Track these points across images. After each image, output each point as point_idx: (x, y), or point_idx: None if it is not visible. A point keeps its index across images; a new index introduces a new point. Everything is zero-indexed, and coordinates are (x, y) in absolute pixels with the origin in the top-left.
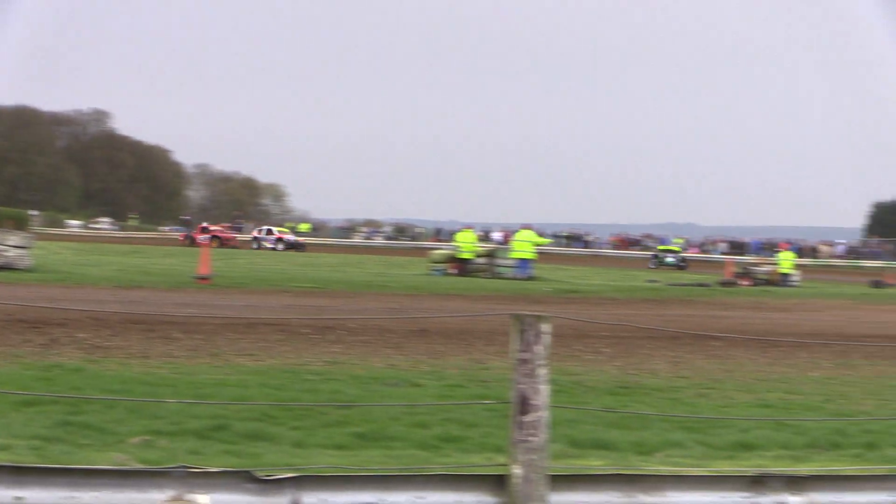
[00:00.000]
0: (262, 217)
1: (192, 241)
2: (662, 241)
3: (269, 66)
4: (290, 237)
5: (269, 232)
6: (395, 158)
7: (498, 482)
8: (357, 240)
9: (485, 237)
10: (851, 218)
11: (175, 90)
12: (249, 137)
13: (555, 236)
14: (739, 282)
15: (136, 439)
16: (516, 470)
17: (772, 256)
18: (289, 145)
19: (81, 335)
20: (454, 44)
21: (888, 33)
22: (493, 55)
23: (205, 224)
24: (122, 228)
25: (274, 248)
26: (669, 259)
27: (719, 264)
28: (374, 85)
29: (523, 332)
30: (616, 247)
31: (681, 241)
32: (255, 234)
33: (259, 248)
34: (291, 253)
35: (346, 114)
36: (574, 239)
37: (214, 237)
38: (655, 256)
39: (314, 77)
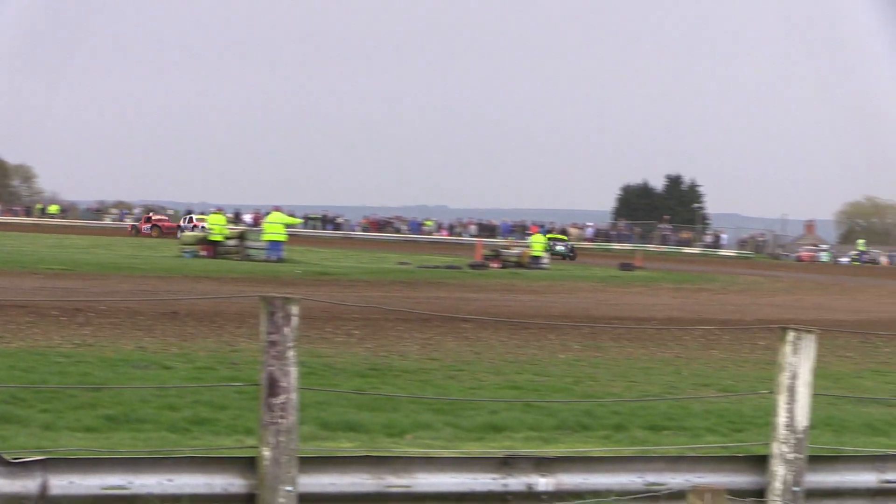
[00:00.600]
0: (13, 199)
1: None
2: (544, 230)
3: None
4: None
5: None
6: (147, 140)
7: (248, 464)
8: (108, 221)
9: (235, 219)
10: (600, 201)
11: None
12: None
13: (306, 218)
14: (489, 264)
15: None
16: (266, 452)
17: (522, 239)
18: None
19: None
20: (200, 25)
21: None
22: (236, 40)
23: None
24: None
25: None
26: (559, 248)
27: (469, 246)
28: (125, 63)
29: (272, 314)
30: (366, 229)
31: (575, 230)
32: None
33: None
34: (42, 234)
35: (95, 94)
36: (325, 221)
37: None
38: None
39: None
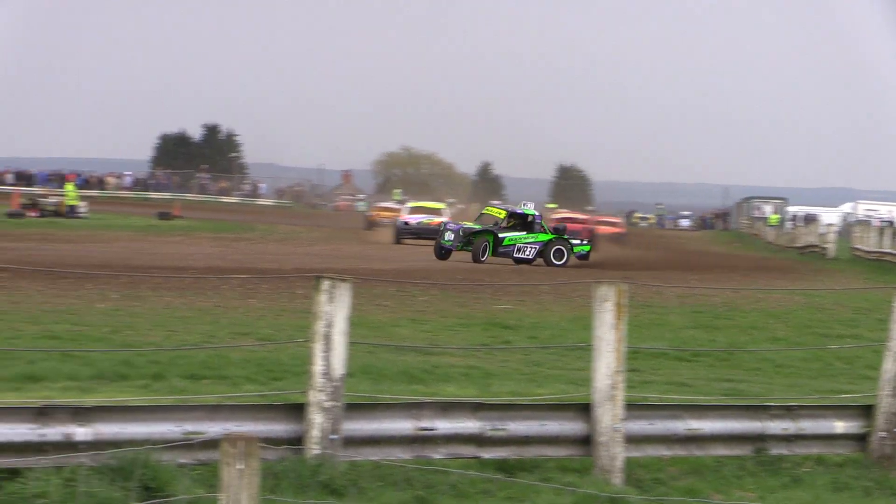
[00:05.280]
0: None
1: None
2: None
3: None
4: None
5: None
6: None
7: None
8: None
9: None
10: (137, 150)
11: None
12: None
13: None
14: (27, 213)
15: None
16: None
17: (59, 188)
18: None
19: None
20: None
21: None
22: None
23: None
24: None
25: None
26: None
27: (6, 195)
28: None
29: None
30: None
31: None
32: None
33: None
34: None
35: None
36: None
37: None
38: None
39: None
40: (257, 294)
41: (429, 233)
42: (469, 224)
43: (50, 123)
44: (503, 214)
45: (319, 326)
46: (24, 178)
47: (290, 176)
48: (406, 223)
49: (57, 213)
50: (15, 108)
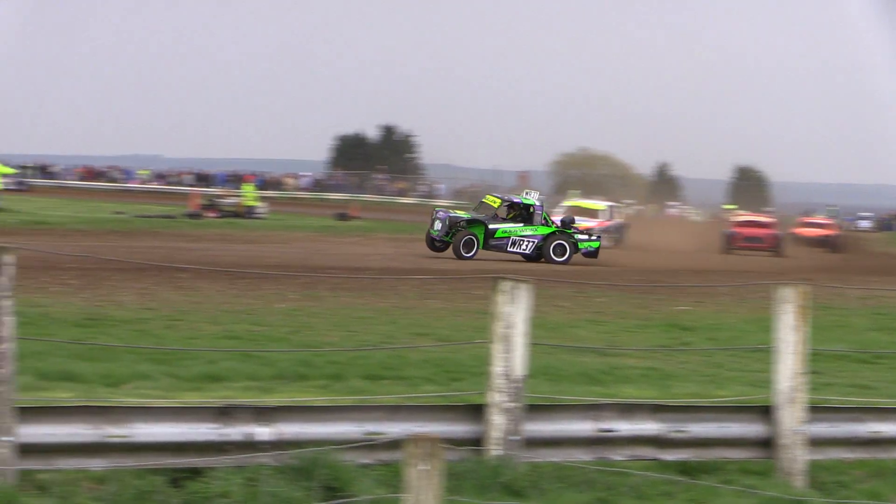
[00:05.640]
0: None
1: None
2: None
3: None
4: None
5: None
6: None
7: None
8: None
9: None
10: (314, 151)
11: None
12: None
13: (20, 167)
14: (205, 214)
15: None
16: None
17: (237, 189)
18: None
19: None
20: None
21: None
22: None
23: None
24: None
25: None
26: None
27: (185, 196)
28: None
29: None
30: (83, 178)
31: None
32: None
33: None
34: None
35: None
36: (38, 170)
37: None
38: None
39: None
40: (435, 294)
41: None
42: (459, 213)
43: (230, 125)
44: (498, 203)
45: (499, 327)
46: (203, 179)
47: (466, 176)
48: None
49: (235, 214)
50: (194, 111)
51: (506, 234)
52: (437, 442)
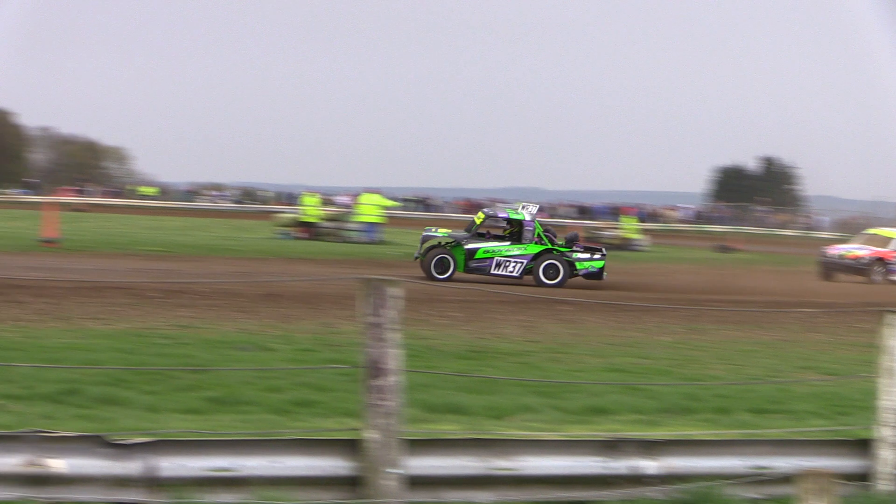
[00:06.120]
0: (106, 181)
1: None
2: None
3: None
4: None
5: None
6: (240, 121)
7: (351, 446)
8: (203, 203)
9: (329, 201)
10: (692, 183)
11: (19, 51)
12: (96, 100)
13: (404, 200)
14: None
15: None
16: (371, 434)
17: (615, 221)
18: (135, 108)
19: None
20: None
21: None
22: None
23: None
24: None
25: None
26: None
27: (565, 229)
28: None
29: (371, 296)
30: (464, 210)
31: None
32: None
33: None
34: (137, 215)
35: (191, 75)
36: (420, 203)
37: None
38: None
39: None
40: (819, 327)
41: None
42: (441, 232)
43: (608, 158)
44: (481, 218)
45: (886, 361)
46: (583, 211)
47: (849, 208)
48: (825, 254)
49: (616, 246)
50: (573, 144)
51: (488, 255)
52: (830, 477)
